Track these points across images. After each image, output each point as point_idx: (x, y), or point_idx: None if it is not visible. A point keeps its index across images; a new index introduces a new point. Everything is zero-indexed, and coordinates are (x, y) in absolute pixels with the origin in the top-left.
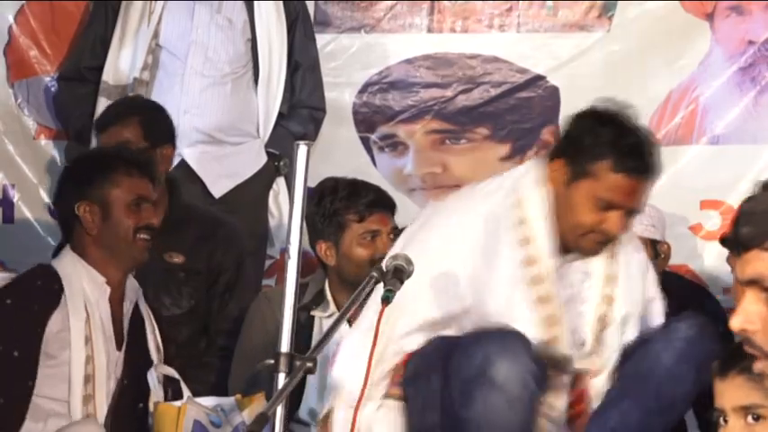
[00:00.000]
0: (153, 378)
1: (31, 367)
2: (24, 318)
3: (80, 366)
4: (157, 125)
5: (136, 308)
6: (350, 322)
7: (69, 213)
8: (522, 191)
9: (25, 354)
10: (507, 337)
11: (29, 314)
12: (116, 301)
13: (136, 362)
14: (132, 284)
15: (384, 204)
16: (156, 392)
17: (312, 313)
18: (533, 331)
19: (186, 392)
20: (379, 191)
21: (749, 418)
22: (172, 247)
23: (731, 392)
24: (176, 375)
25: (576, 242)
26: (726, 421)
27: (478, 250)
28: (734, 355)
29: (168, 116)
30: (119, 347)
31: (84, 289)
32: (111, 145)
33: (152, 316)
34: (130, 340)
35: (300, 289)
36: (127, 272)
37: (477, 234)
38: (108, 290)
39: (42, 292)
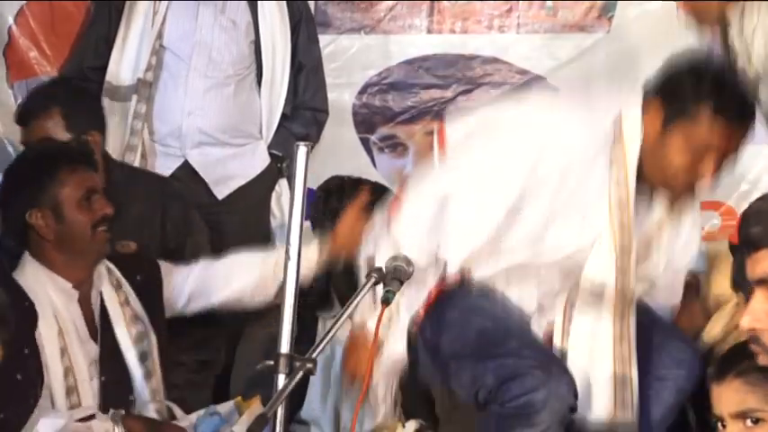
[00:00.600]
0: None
1: (36, 384)
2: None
3: (59, 379)
4: (80, 112)
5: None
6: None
7: (20, 222)
8: (625, 108)
9: (29, 372)
10: (552, 378)
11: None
12: (86, 299)
13: (110, 354)
14: (98, 271)
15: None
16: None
17: (317, 313)
18: (608, 257)
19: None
20: (386, 189)
21: (747, 422)
22: (121, 234)
23: (728, 397)
24: (178, 412)
25: (666, 182)
26: (724, 426)
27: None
28: (729, 360)
29: (93, 100)
30: (96, 341)
31: (52, 299)
32: (35, 140)
33: (122, 296)
34: (102, 332)
35: (303, 289)
36: (92, 267)
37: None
38: (76, 294)
39: (14, 310)
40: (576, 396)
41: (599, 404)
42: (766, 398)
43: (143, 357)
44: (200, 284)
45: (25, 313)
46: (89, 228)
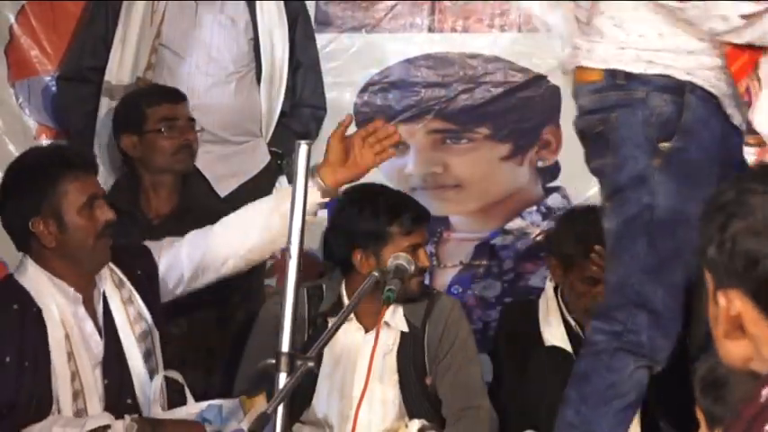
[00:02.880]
0: (154, 386)
1: (46, 375)
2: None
3: (66, 384)
4: None
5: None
6: (366, 328)
7: (23, 230)
8: None
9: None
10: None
11: (20, 338)
12: (90, 299)
13: (114, 356)
14: (102, 273)
15: (426, 219)
16: (156, 402)
17: (328, 318)
18: None
19: (190, 399)
20: (419, 204)
21: None
22: (190, 230)
23: None
24: (181, 380)
25: None
26: None
27: None
28: None
29: None
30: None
31: (57, 303)
32: None
33: (125, 294)
34: (106, 333)
35: (315, 292)
36: (95, 273)
37: None
38: (80, 297)
39: (23, 315)
40: None
41: None
42: None
43: (147, 355)
44: (205, 255)
45: (35, 319)
46: (92, 236)
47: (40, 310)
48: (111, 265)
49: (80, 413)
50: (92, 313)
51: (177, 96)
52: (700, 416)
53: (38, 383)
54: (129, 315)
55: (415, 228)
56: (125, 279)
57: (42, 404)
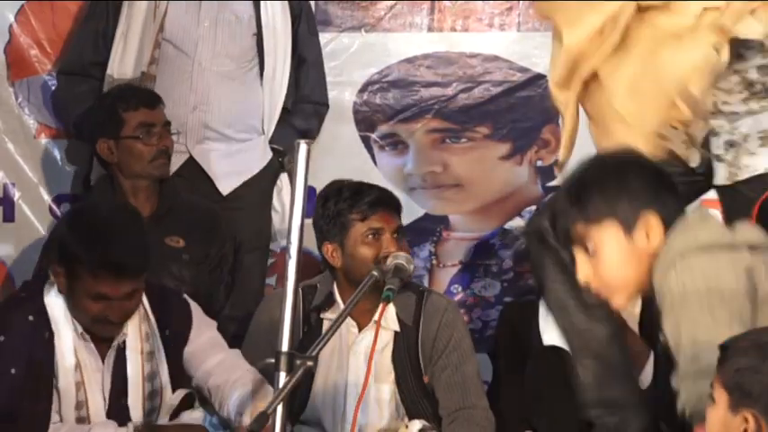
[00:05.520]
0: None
1: (47, 393)
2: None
3: (70, 409)
4: None
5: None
6: (359, 325)
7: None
8: None
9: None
10: None
11: (28, 352)
12: (103, 344)
13: (118, 407)
14: (125, 325)
15: (387, 203)
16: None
17: (321, 315)
18: None
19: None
20: (383, 190)
21: None
22: (172, 231)
23: None
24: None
25: None
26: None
27: None
28: None
29: None
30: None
31: (73, 336)
32: None
33: (148, 347)
34: (114, 382)
35: (310, 290)
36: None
37: None
38: (88, 336)
39: (34, 331)
40: None
41: None
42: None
43: (150, 413)
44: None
45: (45, 343)
46: (89, 319)
47: (52, 335)
48: (147, 308)
49: None
50: (101, 350)
51: (154, 100)
52: (720, 392)
53: (36, 407)
54: (144, 371)
55: (374, 211)
56: (155, 332)
57: (38, 425)
